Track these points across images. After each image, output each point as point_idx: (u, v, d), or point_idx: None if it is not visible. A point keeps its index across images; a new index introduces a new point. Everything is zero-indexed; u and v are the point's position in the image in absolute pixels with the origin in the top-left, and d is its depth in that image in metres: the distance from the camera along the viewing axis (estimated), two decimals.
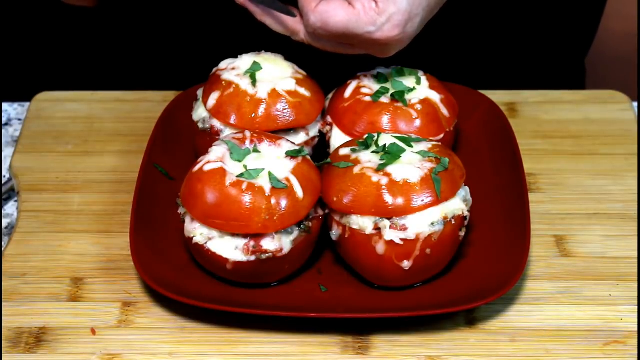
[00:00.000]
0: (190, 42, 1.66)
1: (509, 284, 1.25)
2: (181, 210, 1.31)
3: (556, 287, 1.31)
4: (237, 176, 1.27)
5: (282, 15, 1.34)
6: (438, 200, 1.26)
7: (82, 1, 1.41)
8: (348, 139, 1.39)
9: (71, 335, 1.26)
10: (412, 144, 1.31)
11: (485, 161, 1.45)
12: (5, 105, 1.62)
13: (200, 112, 1.42)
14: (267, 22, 1.35)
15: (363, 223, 1.27)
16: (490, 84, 1.62)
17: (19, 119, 1.60)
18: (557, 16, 1.66)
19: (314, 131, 1.42)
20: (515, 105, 1.59)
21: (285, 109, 1.38)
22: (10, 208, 1.45)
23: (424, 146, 1.31)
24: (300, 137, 1.41)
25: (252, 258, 1.26)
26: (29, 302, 1.30)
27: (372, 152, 1.30)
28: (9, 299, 1.30)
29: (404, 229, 1.25)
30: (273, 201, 1.25)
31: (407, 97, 1.41)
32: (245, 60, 1.42)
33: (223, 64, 1.44)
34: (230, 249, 1.26)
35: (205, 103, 1.41)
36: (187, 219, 1.29)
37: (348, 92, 1.42)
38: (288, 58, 1.44)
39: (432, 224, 1.26)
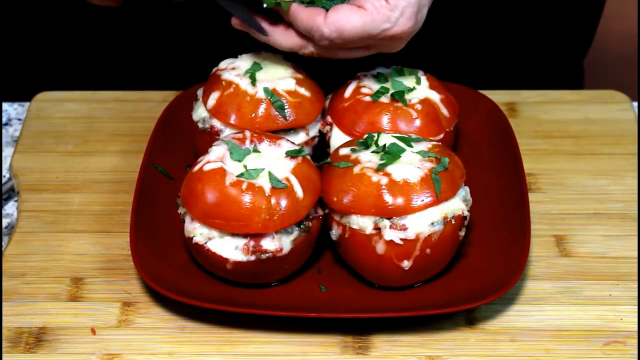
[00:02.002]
0: (190, 42, 1.66)
1: (509, 284, 1.25)
2: (181, 210, 1.31)
3: (556, 287, 1.32)
4: (237, 176, 1.27)
5: (288, 32, 1.33)
6: (438, 200, 1.26)
7: (107, 0, 1.41)
8: (348, 139, 1.39)
9: (71, 335, 1.26)
10: (412, 143, 1.31)
11: (485, 161, 1.45)
12: (5, 105, 1.62)
13: (200, 112, 1.42)
14: (271, 42, 1.35)
15: (363, 223, 1.27)
16: (490, 84, 1.62)
17: (19, 119, 1.60)
18: (556, 17, 1.66)
19: (314, 131, 1.42)
20: (515, 105, 1.59)
21: (285, 109, 1.38)
22: (10, 208, 1.45)
23: (424, 146, 1.31)
24: (300, 137, 1.41)
25: (252, 258, 1.26)
26: (29, 302, 1.30)
27: (372, 152, 1.30)
28: (9, 298, 1.30)
29: (404, 228, 1.25)
30: (273, 201, 1.25)
31: (407, 97, 1.41)
32: (245, 60, 1.43)
33: (223, 64, 1.44)
34: (230, 249, 1.26)
35: (205, 103, 1.41)
36: (187, 219, 1.29)
37: (348, 92, 1.42)
38: (288, 58, 1.44)
39: (432, 223, 1.26)
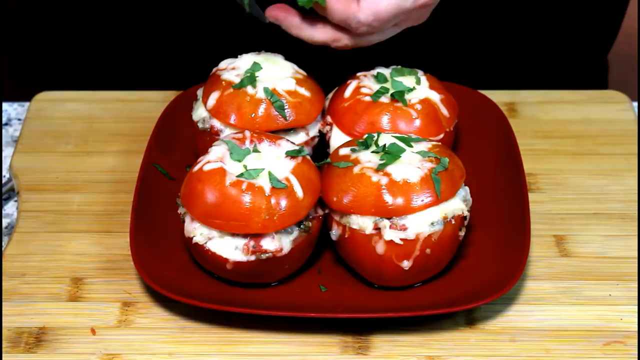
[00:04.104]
0: (190, 42, 1.66)
1: (509, 284, 1.25)
2: (181, 210, 1.31)
3: (556, 287, 1.31)
4: (237, 176, 1.27)
5: (321, 25, 1.33)
6: (438, 200, 1.26)
7: None
8: (348, 138, 1.39)
9: (71, 335, 1.26)
10: (412, 143, 1.31)
11: (485, 161, 1.45)
12: (5, 105, 1.62)
13: (200, 112, 1.42)
14: (303, 35, 1.35)
15: (363, 223, 1.27)
16: (491, 84, 1.62)
17: (19, 119, 1.60)
18: (568, 14, 1.65)
19: (314, 131, 1.42)
20: (515, 105, 1.59)
21: (285, 109, 1.38)
22: (10, 208, 1.45)
23: (424, 146, 1.31)
24: (300, 137, 1.41)
25: (252, 258, 1.26)
26: (28, 302, 1.30)
27: (372, 152, 1.30)
28: (9, 298, 1.30)
29: (403, 228, 1.25)
30: (273, 201, 1.25)
31: (407, 97, 1.41)
32: (245, 60, 1.42)
33: (223, 64, 1.44)
34: (230, 249, 1.26)
35: (205, 103, 1.41)
36: (187, 219, 1.29)
37: (348, 92, 1.42)
38: (288, 58, 1.44)
39: (432, 224, 1.26)
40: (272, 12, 1.36)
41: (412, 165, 1.28)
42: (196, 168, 1.29)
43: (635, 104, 1.60)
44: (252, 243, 1.26)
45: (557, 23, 1.66)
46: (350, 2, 1.30)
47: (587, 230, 1.39)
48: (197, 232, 1.28)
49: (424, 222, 1.26)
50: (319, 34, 1.34)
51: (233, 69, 1.42)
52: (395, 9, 1.29)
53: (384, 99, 1.40)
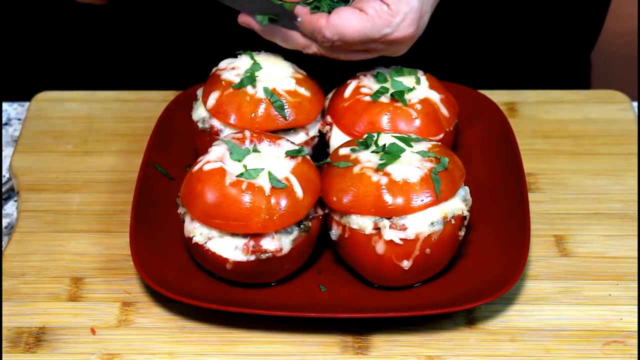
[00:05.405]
0: (190, 42, 1.66)
1: (509, 283, 1.25)
2: (181, 210, 1.31)
3: (556, 287, 1.31)
4: (236, 176, 1.27)
5: (291, 32, 1.34)
6: (438, 200, 1.26)
7: None
8: (348, 138, 1.39)
9: (71, 335, 1.26)
10: (412, 143, 1.31)
11: (486, 161, 1.45)
12: (5, 105, 1.62)
13: (200, 112, 1.42)
14: (276, 40, 1.36)
15: (363, 223, 1.27)
16: (491, 84, 1.62)
17: (19, 119, 1.60)
18: (559, 11, 1.65)
19: (313, 131, 1.42)
20: (515, 105, 1.59)
21: (285, 108, 1.38)
22: (10, 208, 1.45)
23: (424, 146, 1.31)
24: (300, 137, 1.41)
25: (252, 258, 1.26)
26: (28, 302, 1.30)
27: (372, 151, 1.30)
28: (8, 298, 1.30)
29: (403, 228, 1.25)
30: (273, 201, 1.25)
31: (407, 96, 1.41)
32: (245, 60, 1.42)
33: (223, 64, 1.44)
34: (230, 248, 1.26)
35: (205, 103, 1.41)
36: (187, 219, 1.29)
37: (348, 92, 1.42)
38: (288, 58, 1.44)
39: (432, 223, 1.26)
40: (243, 18, 1.36)
41: (412, 165, 1.28)
42: (196, 168, 1.29)
43: (635, 103, 1.60)
44: (252, 243, 1.26)
45: (554, 20, 1.66)
46: (319, 16, 1.31)
47: (587, 230, 1.39)
48: (197, 232, 1.28)
49: (424, 222, 1.26)
50: (290, 39, 1.35)
51: (233, 68, 1.42)
52: (361, 36, 1.30)
53: (384, 99, 1.40)
